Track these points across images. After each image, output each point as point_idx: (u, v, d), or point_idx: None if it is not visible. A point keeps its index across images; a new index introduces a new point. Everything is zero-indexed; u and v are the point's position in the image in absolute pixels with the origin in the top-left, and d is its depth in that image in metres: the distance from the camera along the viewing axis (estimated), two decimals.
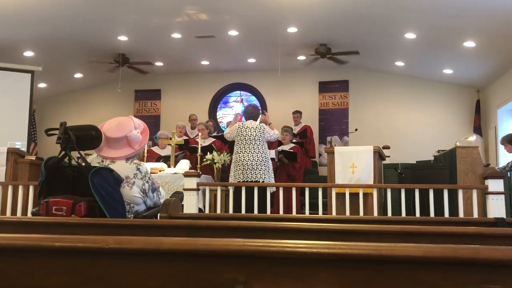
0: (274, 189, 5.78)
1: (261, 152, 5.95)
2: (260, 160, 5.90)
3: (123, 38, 8.71)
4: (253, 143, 5.95)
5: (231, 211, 5.43)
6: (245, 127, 6.05)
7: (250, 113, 6.31)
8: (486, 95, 9.97)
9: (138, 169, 2.90)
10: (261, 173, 5.86)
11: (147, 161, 6.78)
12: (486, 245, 1.51)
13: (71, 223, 2.28)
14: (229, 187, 6.00)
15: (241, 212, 5.32)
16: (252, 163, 5.86)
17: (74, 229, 2.21)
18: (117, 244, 1.18)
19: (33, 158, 6.51)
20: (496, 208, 4.69)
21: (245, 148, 5.94)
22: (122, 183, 2.81)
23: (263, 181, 5.80)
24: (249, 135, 5.98)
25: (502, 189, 4.81)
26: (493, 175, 4.91)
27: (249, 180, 5.78)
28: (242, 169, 5.87)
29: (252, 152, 5.91)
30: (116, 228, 2.22)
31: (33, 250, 1.23)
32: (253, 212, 5.31)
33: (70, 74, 10.73)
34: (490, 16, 6.74)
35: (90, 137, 2.81)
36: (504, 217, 4.00)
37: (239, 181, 5.79)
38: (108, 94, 11.43)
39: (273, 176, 6.15)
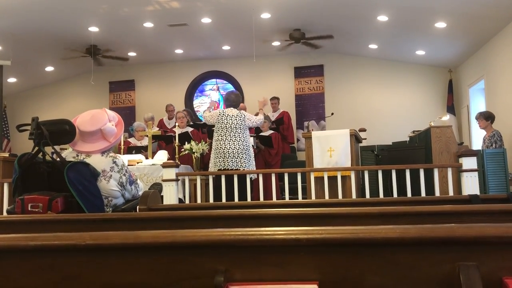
0: (255, 176, 5.76)
1: (242, 140, 5.91)
2: (242, 148, 5.87)
3: (94, 29, 8.53)
4: (234, 131, 5.89)
5: (211, 200, 5.42)
6: (226, 115, 5.96)
7: (232, 101, 6.16)
8: (458, 75, 10.14)
9: (114, 162, 2.86)
10: (241, 161, 5.83)
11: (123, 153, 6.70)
12: (461, 222, 1.55)
13: (48, 220, 2.23)
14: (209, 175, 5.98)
15: (221, 200, 5.30)
16: (233, 151, 5.82)
17: (51, 226, 2.16)
18: (94, 240, 1.17)
19: (6, 155, 6.37)
20: (470, 185, 4.79)
21: (226, 136, 5.87)
22: (99, 177, 2.77)
23: (244, 169, 5.79)
24: (230, 123, 5.91)
25: (475, 167, 4.92)
26: (466, 153, 5.01)
27: (230, 168, 5.75)
28: (223, 157, 5.82)
29: (234, 140, 5.86)
30: (94, 222, 2.20)
31: (7, 250, 1.20)
32: (234, 200, 5.31)
33: (40, 67, 10.47)
34: None
35: (63, 131, 2.75)
36: (478, 193, 4.10)
37: (220, 169, 5.75)
38: (81, 87, 11.20)
39: (254, 164, 6.14)
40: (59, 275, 1.18)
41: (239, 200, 5.35)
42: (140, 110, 11.03)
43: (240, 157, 5.82)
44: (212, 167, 5.92)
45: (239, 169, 5.73)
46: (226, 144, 5.84)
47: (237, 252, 1.16)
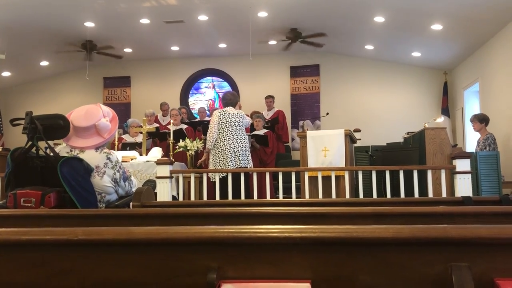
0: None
1: (245, 138, 5.97)
2: (246, 146, 5.92)
3: (90, 24, 8.49)
4: (238, 130, 5.89)
5: (255, 196, 5.39)
6: (228, 113, 5.93)
7: (229, 100, 6.14)
8: (453, 77, 10.18)
9: (108, 158, 2.85)
10: (248, 159, 5.89)
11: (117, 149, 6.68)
12: (454, 223, 1.55)
13: (41, 215, 2.22)
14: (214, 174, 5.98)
15: (240, 198, 5.29)
16: (241, 149, 5.84)
17: (44, 221, 2.15)
18: (86, 235, 1.16)
19: None
20: (463, 187, 4.81)
21: (232, 134, 5.83)
22: (92, 172, 2.76)
23: (250, 167, 5.86)
24: (234, 122, 5.89)
25: (469, 169, 4.93)
26: (460, 155, 5.02)
27: (242, 166, 5.77)
28: (233, 155, 5.78)
29: (240, 138, 5.87)
30: (87, 218, 2.18)
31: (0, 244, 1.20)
32: (229, 198, 5.31)
33: (35, 61, 10.41)
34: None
35: (57, 126, 2.73)
36: (471, 195, 4.12)
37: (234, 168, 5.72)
38: (75, 82, 11.16)
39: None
40: (51, 270, 1.17)
41: (245, 197, 5.36)
42: (136, 106, 11.00)
43: (247, 155, 5.90)
44: (226, 166, 5.74)
45: (247, 167, 5.79)
46: (234, 143, 5.82)
47: (230, 249, 1.15)
